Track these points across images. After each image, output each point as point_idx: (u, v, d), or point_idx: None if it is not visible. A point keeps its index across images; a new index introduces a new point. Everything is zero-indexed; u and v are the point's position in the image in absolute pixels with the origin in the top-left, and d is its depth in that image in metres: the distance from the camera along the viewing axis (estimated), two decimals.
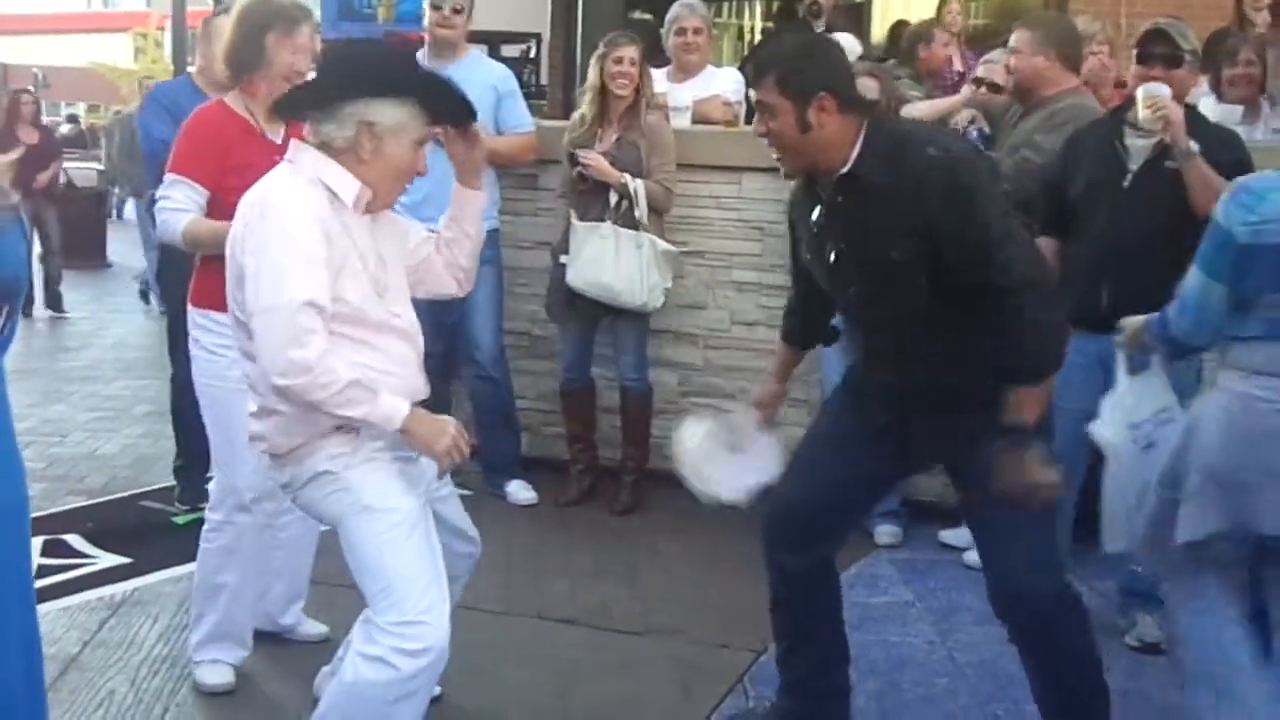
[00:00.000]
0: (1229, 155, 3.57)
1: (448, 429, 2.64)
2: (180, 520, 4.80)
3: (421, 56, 4.81)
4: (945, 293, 2.69)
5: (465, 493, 3.59)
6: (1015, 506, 2.69)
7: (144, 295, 10.64)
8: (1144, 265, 3.45)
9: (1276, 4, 5.32)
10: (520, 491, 5.13)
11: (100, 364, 8.20)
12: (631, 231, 4.79)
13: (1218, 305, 2.74)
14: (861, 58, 5.27)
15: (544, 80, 9.63)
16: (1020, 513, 2.72)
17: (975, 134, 4.73)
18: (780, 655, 3.19)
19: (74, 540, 4.61)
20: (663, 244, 4.85)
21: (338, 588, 3.56)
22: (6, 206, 2.16)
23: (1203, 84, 4.56)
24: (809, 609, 3.11)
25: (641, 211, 4.79)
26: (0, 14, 36.56)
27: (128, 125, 9.61)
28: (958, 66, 6.00)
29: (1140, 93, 3.65)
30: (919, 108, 5.01)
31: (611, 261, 4.78)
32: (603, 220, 4.81)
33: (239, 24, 3.34)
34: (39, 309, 9.92)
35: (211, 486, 3.48)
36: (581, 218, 4.85)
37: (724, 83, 5.45)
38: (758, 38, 10.03)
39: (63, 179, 11.23)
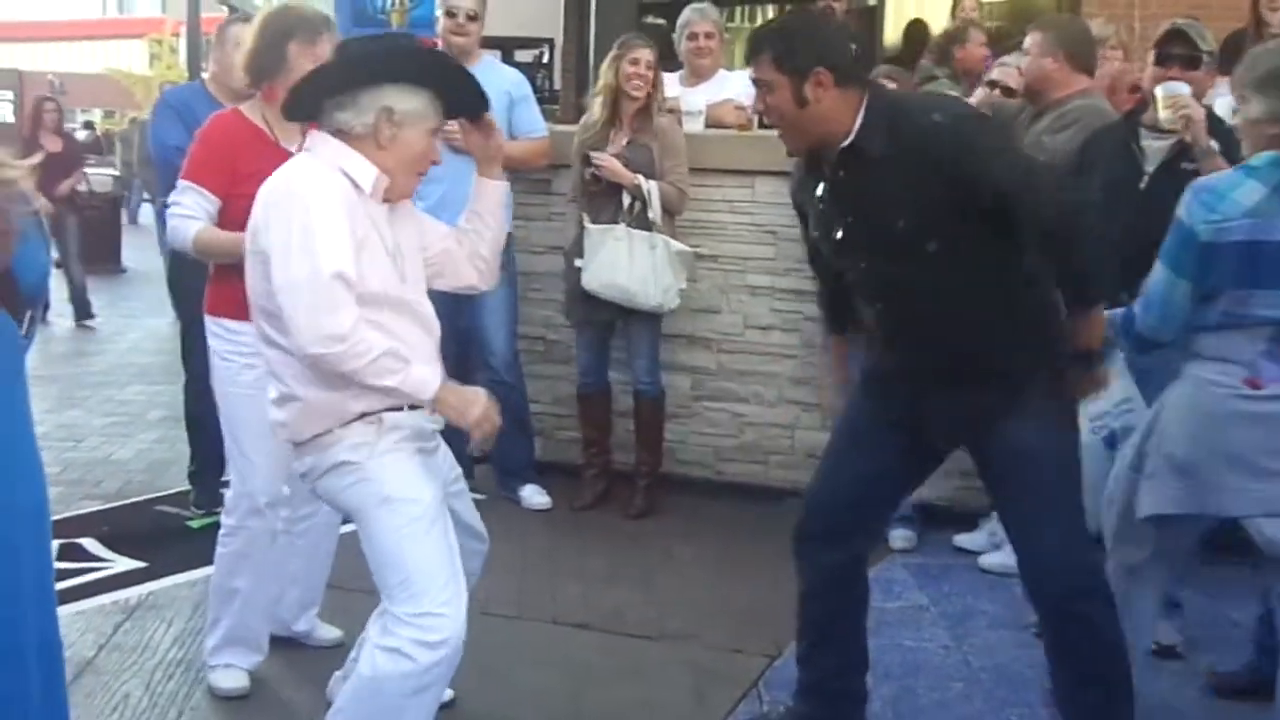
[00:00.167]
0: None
1: (480, 398, 2.66)
2: (195, 525, 4.82)
3: None
4: (955, 260, 2.70)
5: (479, 496, 3.59)
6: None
7: None
8: None
9: None
10: (534, 496, 5.13)
11: (115, 369, 8.23)
12: (645, 233, 4.79)
13: (1182, 301, 2.80)
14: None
15: (557, 85, 9.66)
16: (1048, 489, 2.76)
17: None
18: (801, 654, 3.18)
19: (89, 544, 4.62)
20: (676, 244, 4.85)
21: (353, 593, 3.58)
22: (28, 212, 2.16)
23: (1220, 85, 4.53)
24: (835, 608, 3.11)
25: (655, 213, 4.79)
26: (16, 21, 36.79)
27: (146, 131, 9.64)
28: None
29: (1159, 91, 3.64)
30: None
31: (626, 263, 4.78)
32: (616, 223, 4.81)
33: (262, 31, 3.35)
34: (60, 317, 9.89)
35: (226, 491, 3.49)
36: (594, 220, 4.85)
37: (736, 87, 5.42)
38: None
39: (83, 186, 11.23)
